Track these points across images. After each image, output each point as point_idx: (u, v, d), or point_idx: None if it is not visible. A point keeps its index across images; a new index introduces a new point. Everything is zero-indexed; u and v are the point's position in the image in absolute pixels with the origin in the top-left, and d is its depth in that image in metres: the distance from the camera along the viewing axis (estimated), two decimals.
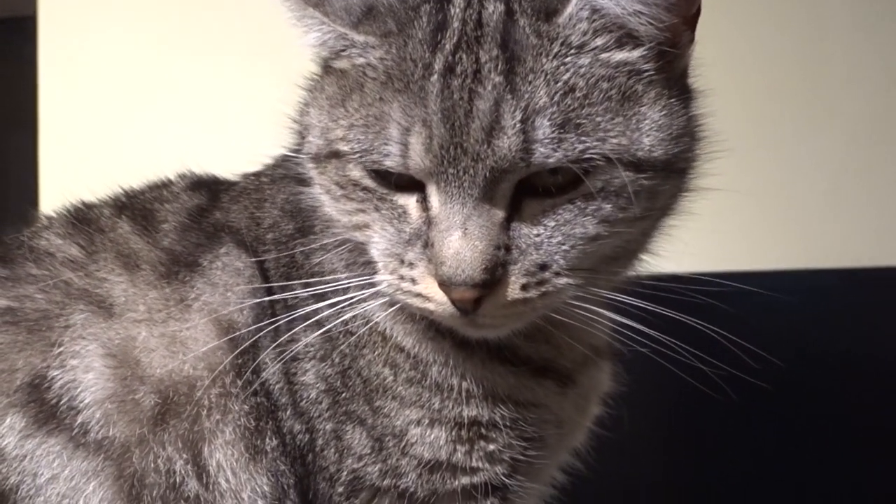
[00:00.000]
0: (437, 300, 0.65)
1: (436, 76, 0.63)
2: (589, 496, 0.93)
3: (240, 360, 0.74)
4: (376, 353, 0.76)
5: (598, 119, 0.63)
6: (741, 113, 1.57)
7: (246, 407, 0.74)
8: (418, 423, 0.75)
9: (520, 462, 0.77)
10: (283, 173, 0.83)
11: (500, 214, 0.64)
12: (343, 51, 0.70)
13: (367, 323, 0.75)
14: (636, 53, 0.67)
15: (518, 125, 0.62)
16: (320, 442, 0.76)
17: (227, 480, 0.73)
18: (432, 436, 0.75)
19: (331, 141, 0.68)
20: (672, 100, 0.68)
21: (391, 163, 0.64)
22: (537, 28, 0.65)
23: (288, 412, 0.75)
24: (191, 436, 0.72)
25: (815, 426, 1.44)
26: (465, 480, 0.76)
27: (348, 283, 0.74)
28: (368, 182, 0.67)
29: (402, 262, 0.66)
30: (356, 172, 0.68)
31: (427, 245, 0.65)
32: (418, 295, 0.66)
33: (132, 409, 0.71)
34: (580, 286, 0.67)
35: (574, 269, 0.66)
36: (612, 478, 1.02)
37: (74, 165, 1.94)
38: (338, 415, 0.76)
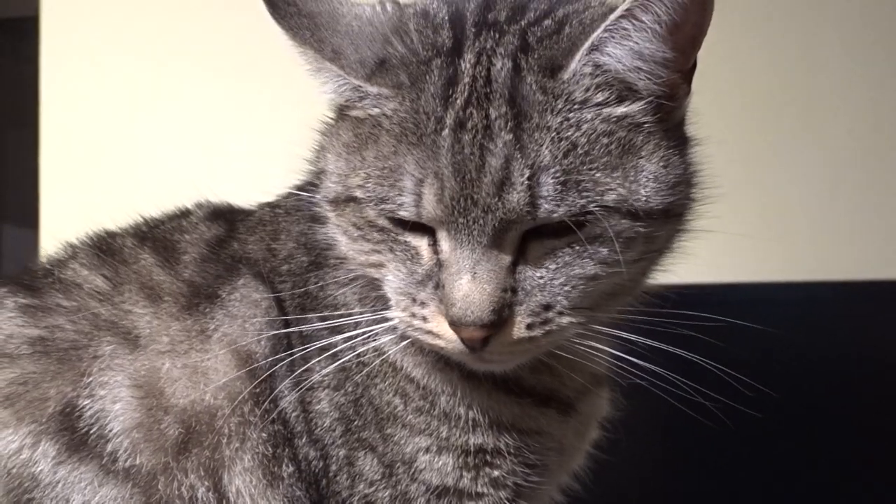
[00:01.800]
0: (446, 338, 0.69)
1: (447, 130, 0.67)
2: None
3: (258, 390, 0.78)
4: (387, 383, 0.80)
5: (598, 174, 0.67)
6: (737, 123, 1.61)
7: (264, 435, 0.77)
8: (427, 450, 0.78)
9: (523, 487, 0.81)
10: (297, 205, 0.87)
11: (506, 259, 0.68)
12: (358, 101, 0.73)
13: (379, 354, 0.79)
14: (636, 107, 0.71)
15: (526, 182, 0.66)
16: (334, 468, 0.80)
17: None
18: (440, 462, 0.79)
19: (349, 188, 0.72)
20: (670, 150, 0.72)
21: (405, 212, 0.68)
22: (543, 84, 0.68)
23: (304, 439, 0.79)
24: (212, 463, 0.76)
25: (809, 448, 1.48)
26: None
27: (361, 317, 0.78)
28: (384, 223, 0.71)
29: (415, 300, 0.70)
30: (372, 215, 0.71)
31: (438, 286, 0.69)
32: (429, 332, 0.70)
33: (158, 438, 0.75)
34: (581, 324, 0.71)
35: (575, 307, 0.70)
36: (607, 497, 1.06)
37: (75, 166, 1.97)
38: (350, 442, 0.79)
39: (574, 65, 0.69)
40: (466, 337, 0.68)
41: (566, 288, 0.69)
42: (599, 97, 0.69)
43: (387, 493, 0.79)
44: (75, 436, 0.74)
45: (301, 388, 0.78)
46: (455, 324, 0.67)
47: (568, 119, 0.68)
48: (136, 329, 0.78)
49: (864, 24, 1.69)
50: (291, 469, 0.78)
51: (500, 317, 0.67)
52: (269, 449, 0.78)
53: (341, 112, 0.77)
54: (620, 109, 0.70)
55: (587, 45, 0.69)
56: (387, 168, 0.69)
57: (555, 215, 0.66)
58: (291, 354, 0.78)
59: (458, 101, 0.68)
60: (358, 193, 0.71)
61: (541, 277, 0.69)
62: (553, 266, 0.69)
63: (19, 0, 2.39)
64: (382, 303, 0.76)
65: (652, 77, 0.70)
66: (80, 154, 1.98)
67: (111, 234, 0.88)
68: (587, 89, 0.69)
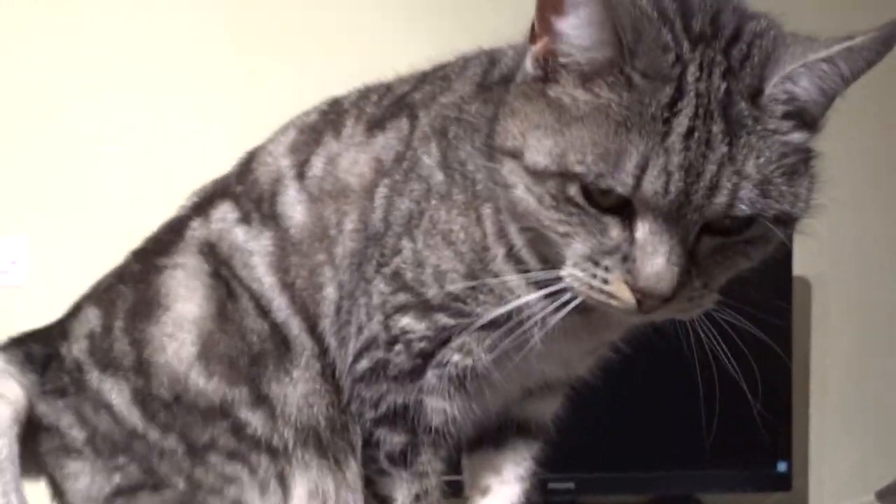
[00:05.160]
0: (623, 300, 0.81)
1: (677, 136, 0.77)
2: None
3: (375, 183, 1.01)
4: (459, 215, 0.95)
5: (781, 187, 0.80)
6: None
7: (364, 208, 1.01)
8: (454, 271, 0.94)
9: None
10: (470, 77, 1.02)
11: (689, 246, 0.80)
12: (590, 78, 0.81)
13: (475, 200, 0.94)
14: (807, 136, 0.82)
15: (731, 187, 0.77)
16: (387, 238, 0.98)
17: (343, 244, 1.01)
18: (461, 283, 0.94)
19: (564, 164, 0.80)
20: (812, 168, 0.85)
21: (622, 189, 0.78)
22: (749, 108, 0.79)
23: (378, 214, 1.00)
24: (337, 212, 1.02)
25: None
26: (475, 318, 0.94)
27: (473, 188, 0.95)
28: (580, 200, 0.81)
29: (598, 265, 0.82)
30: (574, 191, 0.81)
31: (626, 259, 0.80)
32: (607, 293, 0.82)
33: (329, 186, 1.04)
34: (715, 302, 0.86)
35: (717, 289, 0.85)
36: None
37: None
38: (405, 229, 0.97)
39: (770, 90, 0.79)
40: (647, 304, 0.81)
41: (720, 273, 0.84)
42: (786, 124, 0.81)
43: (411, 276, 0.96)
44: (266, 210, 1.06)
45: (392, 192, 0.99)
46: (642, 293, 0.80)
47: (765, 141, 0.79)
48: (344, 129, 1.06)
49: None
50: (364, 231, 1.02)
51: (678, 291, 0.80)
52: (366, 213, 1.01)
53: (530, 92, 0.85)
54: (797, 136, 0.82)
55: (783, 74, 0.79)
56: (609, 150, 0.78)
57: (742, 215, 0.79)
58: (400, 165, 0.99)
59: (687, 112, 0.78)
60: (577, 169, 0.79)
61: (707, 263, 0.82)
62: (718, 256, 0.83)
63: None
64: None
65: (825, 111, 0.83)
66: None
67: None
68: (779, 116, 0.80)
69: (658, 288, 0.78)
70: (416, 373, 0.98)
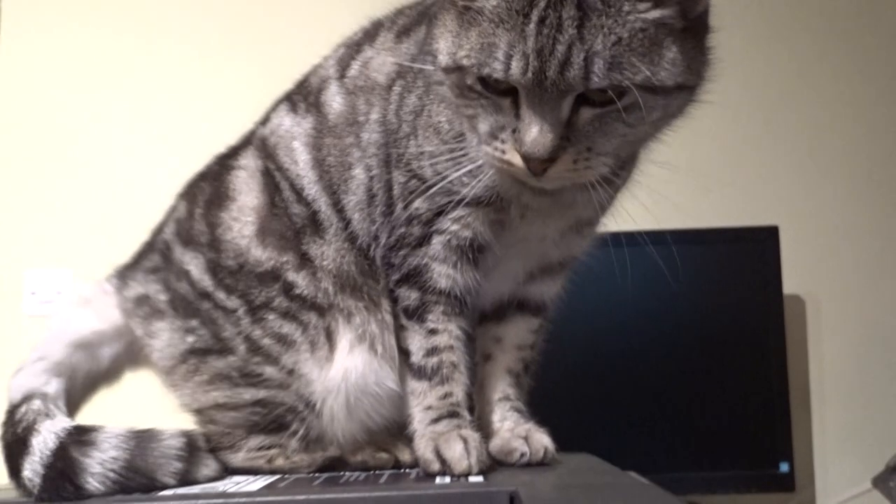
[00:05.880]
0: (518, 166, 0.99)
1: (532, 24, 0.93)
2: None
3: (395, 81, 1.22)
4: (446, 108, 1.13)
5: (633, 60, 0.92)
6: None
7: (386, 102, 1.22)
8: (441, 156, 1.12)
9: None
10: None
11: (564, 117, 0.95)
12: None
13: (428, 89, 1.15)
14: (666, 11, 0.94)
15: (582, 62, 0.92)
16: (400, 138, 1.19)
17: (369, 132, 1.21)
18: (443, 164, 1.12)
19: (457, 59, 0.99)
20: (687, 40, 0.96)
21: (497, 74, 0.95)
22: None
23: (393, 107, 1.21)
24: (367, 103, 1.23)
25: None
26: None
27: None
28: (478, 87, 0.99)
29: (496, 138, 1.00)
30: (471, 80, 0.99)
31: (515, 132, 0.98)
32: (505, 161, 1.00)
33: (362, 83, 1.24)
34: (608, 165, 1.01)
35: (607, 154, 1.00)
36: None
37: None
38: (412, 126, 1.17)
39: None
40: (532, 166, 0.97)
41: (602, 139, 0.98)
42: (641, 6, 0.94)
43: (414, 165, 1.16)
44: (312, 100, 1.27)
45: (403, 92, 1.21)
46: (525, 157, 0.97)
47: (617, 21, 0.93)
48: (378, 38, 1.28)
49: None
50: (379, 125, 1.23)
51: (556, 154, 0.96)
52: (387, 108, 1.21)
53: (447, 5, 1.03)
54: (654, 14, 0.94)
55: None
56: (485, 44, 0.95)
57: (599, 85, 0.92)
58: (412, 71, 1.19)
59: (541, 4, 0.93)
60: (464, 62, 0.97)
61: (587, 131, 0.97)
62: (597, 123, 0.97)
63: None
64: None
65: None
66: None
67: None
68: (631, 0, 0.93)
69: (537, 151, 0.95)
70: (425, 239, 1.15)
